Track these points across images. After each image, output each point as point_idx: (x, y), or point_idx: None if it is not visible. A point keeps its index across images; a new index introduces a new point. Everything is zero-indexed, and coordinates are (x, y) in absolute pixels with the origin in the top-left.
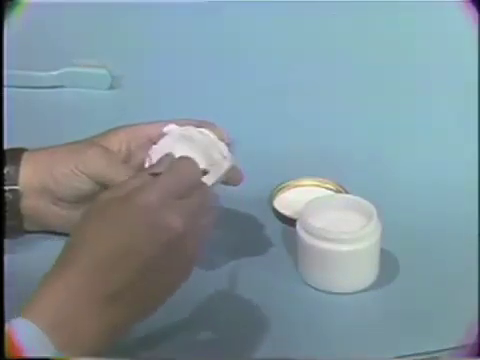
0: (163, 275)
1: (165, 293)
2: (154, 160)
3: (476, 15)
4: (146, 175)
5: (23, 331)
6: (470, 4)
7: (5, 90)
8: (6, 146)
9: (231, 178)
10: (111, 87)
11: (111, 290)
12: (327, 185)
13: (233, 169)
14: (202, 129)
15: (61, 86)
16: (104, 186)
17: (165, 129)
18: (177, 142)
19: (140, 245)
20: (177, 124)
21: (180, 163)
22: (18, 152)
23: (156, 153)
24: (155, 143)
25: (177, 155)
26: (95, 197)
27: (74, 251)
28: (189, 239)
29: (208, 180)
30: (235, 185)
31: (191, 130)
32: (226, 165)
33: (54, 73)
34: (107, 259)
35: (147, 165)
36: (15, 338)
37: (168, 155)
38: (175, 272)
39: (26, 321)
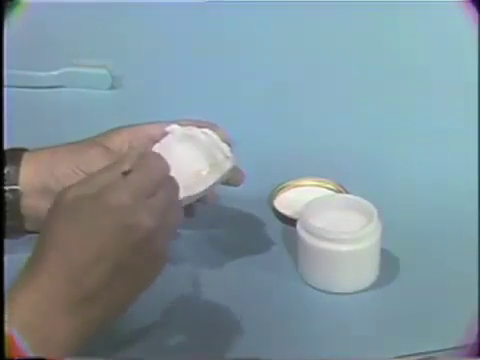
0: (135, 274)
1: (137, 291)
2: None
3: (476, 15)
4: (114, 172)
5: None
6: (470, 4)
7: (5, 90)
8: (6, 146)
9: (232, 178)
10: (111, 87)
11: (84, 292)
12: (327, 185)
13: (235, 169)
14: (205, 129)
15: (61, 86)
16: None
17: (168, 129)
18: (179, 142)
19: (112, 247)
20: (179, 124)
21: (149, 159)
22: (18, 152)
23: (158, 152)
24: (157, 143)
25: (178, 155)
26: (60, 192)
27: (45, 252)
28: (159, 236)
29: (210, 180)
30: (236, 185)
31: (193, 130)
32: (228, 165)
33: (54, 73)
34: (79, 262)
35: None
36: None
37: (134, 149)
38: (147, 270)
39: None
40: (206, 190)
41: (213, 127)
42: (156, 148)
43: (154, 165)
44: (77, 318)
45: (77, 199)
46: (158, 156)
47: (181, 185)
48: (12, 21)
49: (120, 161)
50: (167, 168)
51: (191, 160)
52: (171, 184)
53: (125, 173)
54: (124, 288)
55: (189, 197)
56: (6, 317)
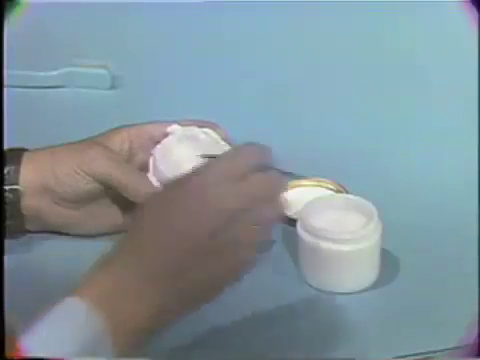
0: (215, 260)
1: (217, 282)
2: (158, 159)
3: (476, 15)
4: (236, 168)
5: (74, 308)
6: (470, 4)
7: (5, 90)
8: (6, 146)
9: None
10: (111, 87)
11: (162, 270)
12: (327, 185)
13: None
14: (205, 129)
15: (61, 86)
16: (107, 186)
17: (169, 129)
18: (181, 142)
19: (192, 226)
20: (180, 124)
21: (241, 146)
22: (18, 152)
23: (160, 153)
24: (158, 143)
25: (180, 155)
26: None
27: (133, 231)
28: (242, 222)
29: None
30: None
31: (194, 130)
32: None
33: (54, 73)
34: (161, 240)
35: (151, 164)
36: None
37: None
38: (228, 259)
39: (77, 299)
40: None
41: (213, 127)
42: (157, 148)
43: (245, 150)
44: (151, 299)
45: (170, 184)
46: (252, 144)
47: None
48: (12, 21)
49: (239, 159)
50: (262, 156)
51: (192, 160)
52: (267, 173)
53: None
54: (201, 274)
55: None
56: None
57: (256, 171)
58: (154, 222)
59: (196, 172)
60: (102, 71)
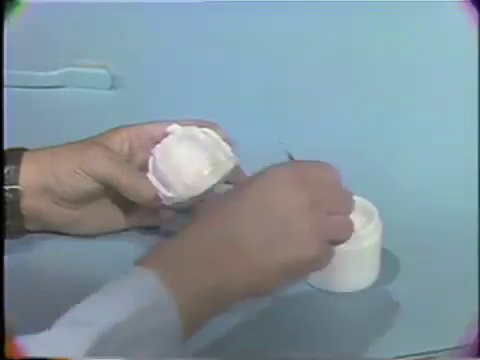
0: (282, 250)
1: (285, 269)
2: (158, 159)
3: (476, 15)
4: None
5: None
6: (470, 4)
7: (5, 90)
8: (6, 146)
9: (235, 178)
10: (111, 87)
11: (232, 249)
12: None
13: (236, 169)
14: (206, 129)
15: (61, 86)
16: (107, 186)
17: (168, 129)
18: (180, 142)
19: (266, 211)
20: (180, 124)
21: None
22: (18, 152)
23: (160, 152)
24: (158, 142)
25: (179, 155)
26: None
27: (211, 209)
28: (311, 221)
29: (211, 180)
30: None
31: (194, 130)
32: (230, 165)
33: (54, 73)
34: (236, 218)
35: (151, 164)
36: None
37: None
38: (293, 252)
39: (139, 268)
40: (208, 190)
41: (214, 127)
42: (157, 148)
43: (328, 166)
44: (221, 272)
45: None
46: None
47: (183, 186)
48: (12, 21)
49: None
50: (338, 175)
51: (192, 160)
52: (339, 186)
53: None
54: (268, 258)
55: (191, 197)
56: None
57: (328, 183)
58: (227, 205)
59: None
60: (102, 71)
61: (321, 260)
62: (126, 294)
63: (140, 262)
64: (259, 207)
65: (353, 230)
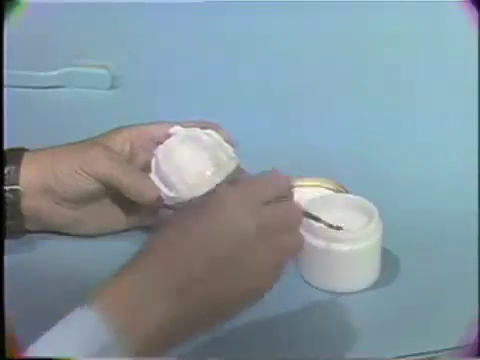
0: (233, 279)
1: (233, 301)
2: (160, 160)
3: (476, 15)
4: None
5: (82, 318)
6: (470, 4)
7: (5, 90)
8: (6, 146)
9: (237, 179)
10: (111, 87)
11: (180, 282)
12: (327, 185)
13: (239, 170)
14: (208, 130)
15: (61, 86)
16: (108, 186)
17: (171, 130)
18: (182, 143)
19: (213, 242)
20: (182, 126)
21: (269, 172)
22: (18, 152)
23: (162, 153)
24: (159, 143)
25: (182, 156)
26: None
27: (155, 241)
28: (262, 246)
29: (214, 180)
30: None
31: (197, 131)
32: (232, 166)
33: (54, 73)
34: (181, 251)
35: (153, 165)
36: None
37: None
38: (246, 280)
39: (85, 310)
40: (210, 190)
41: (216, 128)
42: (159, 149)
43: (273, 176)
44: (168, 311)
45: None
46: (278, 172)
47: (185, 186)
48: (12, 21)
49: (285, 184)
50: (288, 183)
51: (194, 161)
52: (290, 201)
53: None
54: (218, 290)
55: (193, 198)
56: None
57: (279, 197)
58: (172, 237)
59: (225, 190)
60: (102, 71)
61: (273, 284)
62: (70, 337)
63: (88, 302)
64: (207, 241)
65: (302, 246)
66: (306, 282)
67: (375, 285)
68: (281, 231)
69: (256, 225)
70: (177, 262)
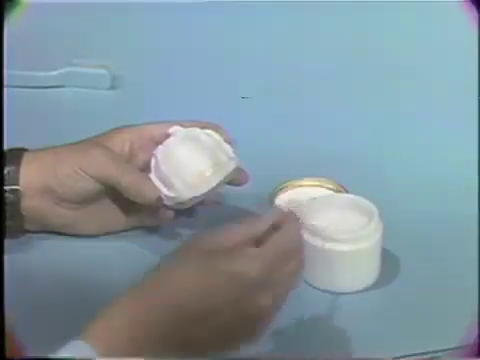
0: (232, 341)
1: (228, 348)
2: (160, 160)
3: (476, 15)
4: (253, 229)
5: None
6: (470, 4)
7: (5, 90)
8: (6, 146)
9: (236, 179)
10: (111, 87)
11: (178, 342)
12: (327, 185)
13: (238, 170)
14: (207, 130)
15: (61, 86)
16: (108, 186)
17: (170, 130)
18: (182, 143)
19: (224, 311)
20: (182, 126)
21: (288, 234)
22: (18, 152)
23: (162, 153)
24: (159, 143)
25: (181, 156)
26: (195, 238)
27: (158, 285)
28: (270, 315)
29: (213, 180)
30: (240, 186)
31: (196, 131)
32: (232, 166)
33: (54, 73)
34: (186, 312)
35: (153, 165)
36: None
37: (270, 214)
38: (244, 339)
39: (85, 344)
40: (210, 191)
41: (216, 128)
42: (159, 149)
43: (291, 244)
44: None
45: (210, 250)
46: (297, 231)
47: (185, 186)
48: (12, 21)
49: (259, 220)
50: (301, 245)
51: (194, 161)
52: (299, 265)
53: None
54: (212, 348)
55: (193, 198)
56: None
57: (289, 259)
58: (181, 286)
59: (243, 257)
60: (102, 71)
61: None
62: None
63: (83, 330)
64: (207, 285)
65: (298, 279)
66: (306, 282)
67: (375, 285)
68: (283, 264)
69: (270, 300)
70: (177, 320)
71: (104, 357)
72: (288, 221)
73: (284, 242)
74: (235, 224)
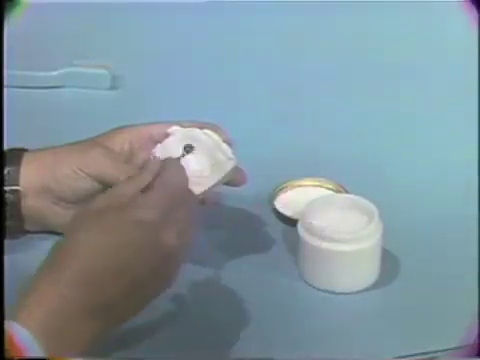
0: (153, 287)
1: (150, 300)
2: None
3: (476, 15)
4: (137, 184)
5: (18, 334)
6: (470, 4)
7: (5, 90)
8: (6, 146)
9: (234, 179)
10: (111, 87)
11: (104, 300)
12: (327, 185)
13: (237, 170)
14: (206, 130)
15: (61, 86)
16: (107, 186)
17: (169, 130)
18: (181, 142)
19: (135, 262)
20: (181, 126)
21: (171, 173)
22: (18, 152)
23: (161, 153)
24: (158, 143)
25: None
26: (90, 200)
27: (67, 257)
28: (179, 255)
29: (212, 180)
30: (238, 186)
31: (195, 131)
32: (230, 166)
33: (54, 73)
34: (100, 273)
35: None
36: (15, 339)
37: (154, 158)
38: (164, 283)
39: (19, 325)
40: (208, 191)
41: (214, 128)
42: (158, 149)
43: (176, 179)
44: (95, 324)
45: (104, 209)
46: (179, 169)
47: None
48: (12, 21)
49: (143, 172)
50: (186, 180)
51: (193, 161)
52: (190, 201)
53: (147, 187)
54: (136, 299)
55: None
56: (22, 317)
57: (183, 199)
58: (91, 252)
59: (135, 203)
60: (102, 71)
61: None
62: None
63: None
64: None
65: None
66: (306, 282)
67: (375, 285)
68: (188, 231)
69: (176, 238)
70: (96, 284)
71: (40, 337)
72: (169, 165)
73: (169, 182)
74: (122, 182)
